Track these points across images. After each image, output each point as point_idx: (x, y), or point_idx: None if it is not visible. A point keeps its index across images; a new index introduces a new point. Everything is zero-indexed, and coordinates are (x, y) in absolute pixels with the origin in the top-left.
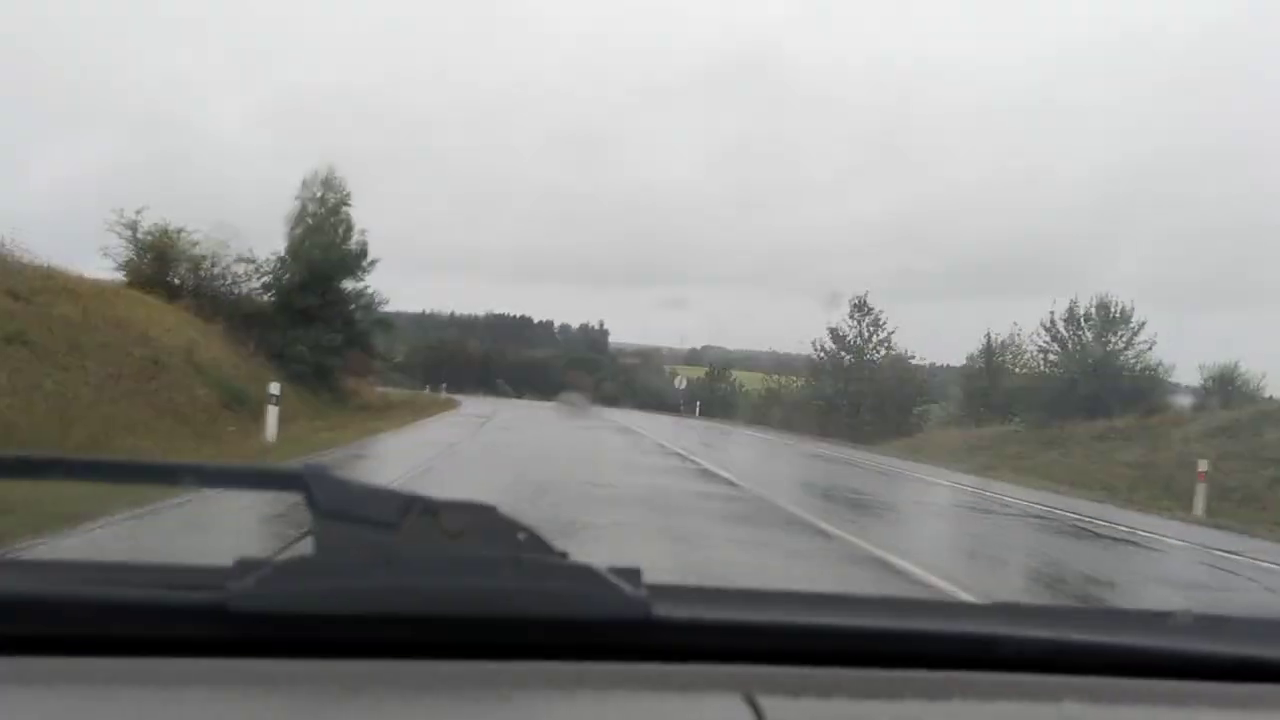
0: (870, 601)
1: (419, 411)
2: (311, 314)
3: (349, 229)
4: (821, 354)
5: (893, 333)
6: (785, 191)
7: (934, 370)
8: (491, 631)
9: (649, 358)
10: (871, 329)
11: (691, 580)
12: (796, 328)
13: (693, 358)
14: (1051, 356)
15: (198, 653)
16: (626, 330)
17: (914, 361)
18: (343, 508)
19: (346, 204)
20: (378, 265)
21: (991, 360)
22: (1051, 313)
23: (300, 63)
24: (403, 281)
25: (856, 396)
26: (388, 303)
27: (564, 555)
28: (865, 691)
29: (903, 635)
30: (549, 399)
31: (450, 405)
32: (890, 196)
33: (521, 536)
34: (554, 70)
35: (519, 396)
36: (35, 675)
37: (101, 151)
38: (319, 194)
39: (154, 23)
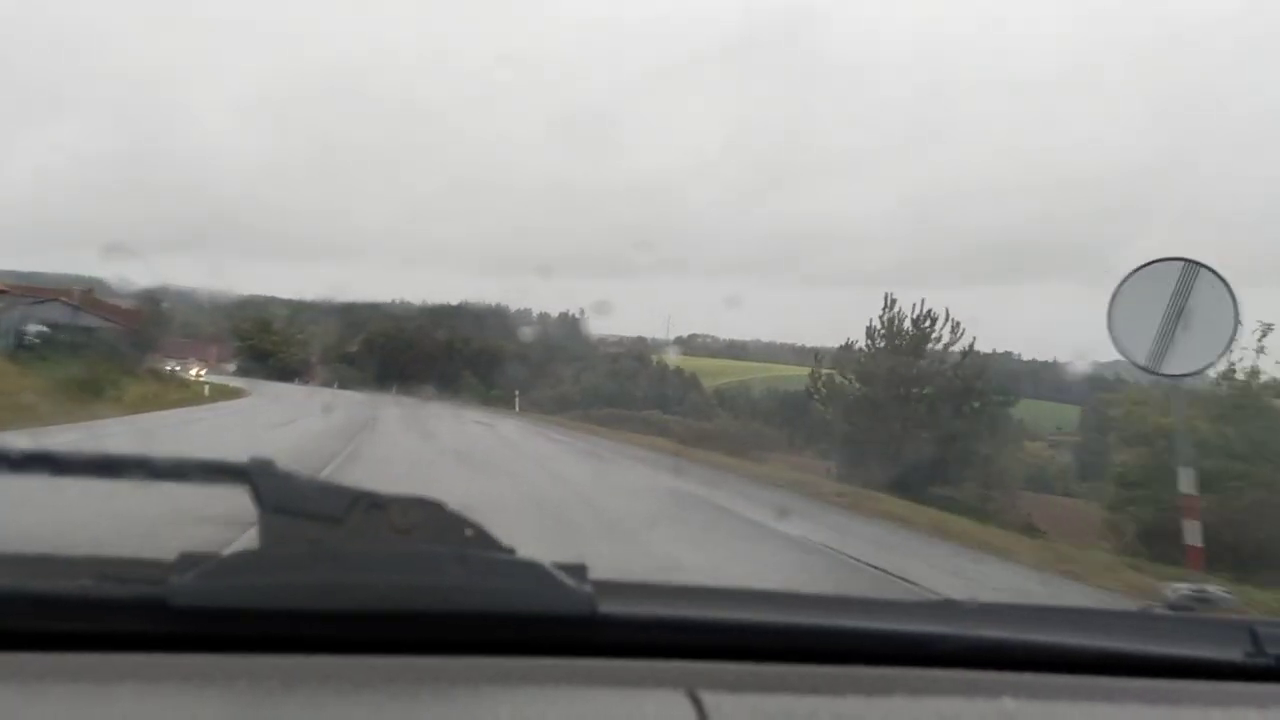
0: (812, 599)
1: None
2: None
3: None
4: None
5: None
6: (793, 174)
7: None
8: (435, 627)
9: (634, 347)
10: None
11: None
12: (797, 317)
13: (681, 347)
14: None
15: (139, 648)
16: (606, 321)
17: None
18: (288, 502)
19: None
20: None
21: None
22: None
23: (285, 44)
24: (382, 273)
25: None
26: None
27: (511, 551)
28: (807, 688)
29: (844, 632)
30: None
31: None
32: (915, 177)
33: (469, 532)
34: (557, 48)
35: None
36: None
37: (83, 144)
38: None
39: (129, 3)
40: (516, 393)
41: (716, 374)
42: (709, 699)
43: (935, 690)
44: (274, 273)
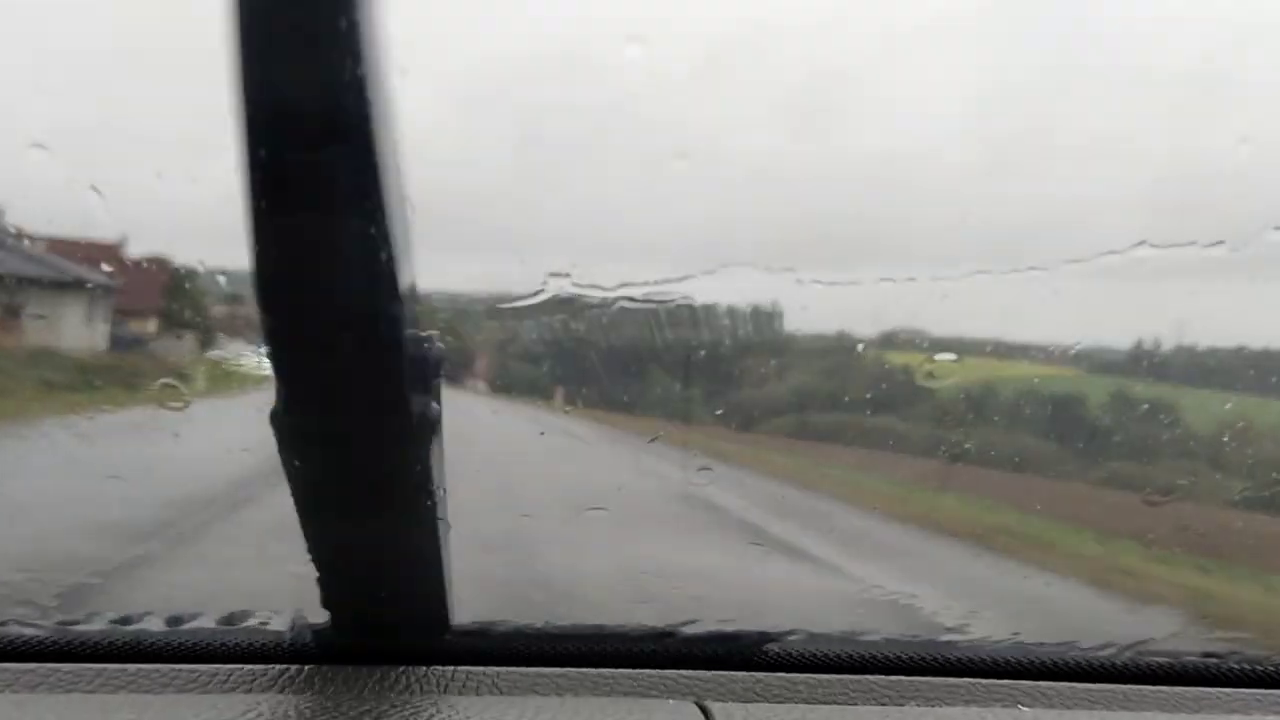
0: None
1: None
2: None
3: None
4: None
5: None
6: (1027, 154)
7: None
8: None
9: (836, 343)
10: None
11: None
12: (1016, 311)
13: (886, 341)
14: None
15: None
16: (802, 315)
17: None
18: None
19: None
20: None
21: None
22: None
23: (487, 28)
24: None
25: None
26: None
27: None
28: (818, 697)
29: (855, 640)
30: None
31: None
32: (1174, 156)
33: None
34: (778, 20)
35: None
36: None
37: None
38: None
39: None
40: None
41: (936, 374)
42: (718, 709)
43: (950, 699)
44: (450, 265)
